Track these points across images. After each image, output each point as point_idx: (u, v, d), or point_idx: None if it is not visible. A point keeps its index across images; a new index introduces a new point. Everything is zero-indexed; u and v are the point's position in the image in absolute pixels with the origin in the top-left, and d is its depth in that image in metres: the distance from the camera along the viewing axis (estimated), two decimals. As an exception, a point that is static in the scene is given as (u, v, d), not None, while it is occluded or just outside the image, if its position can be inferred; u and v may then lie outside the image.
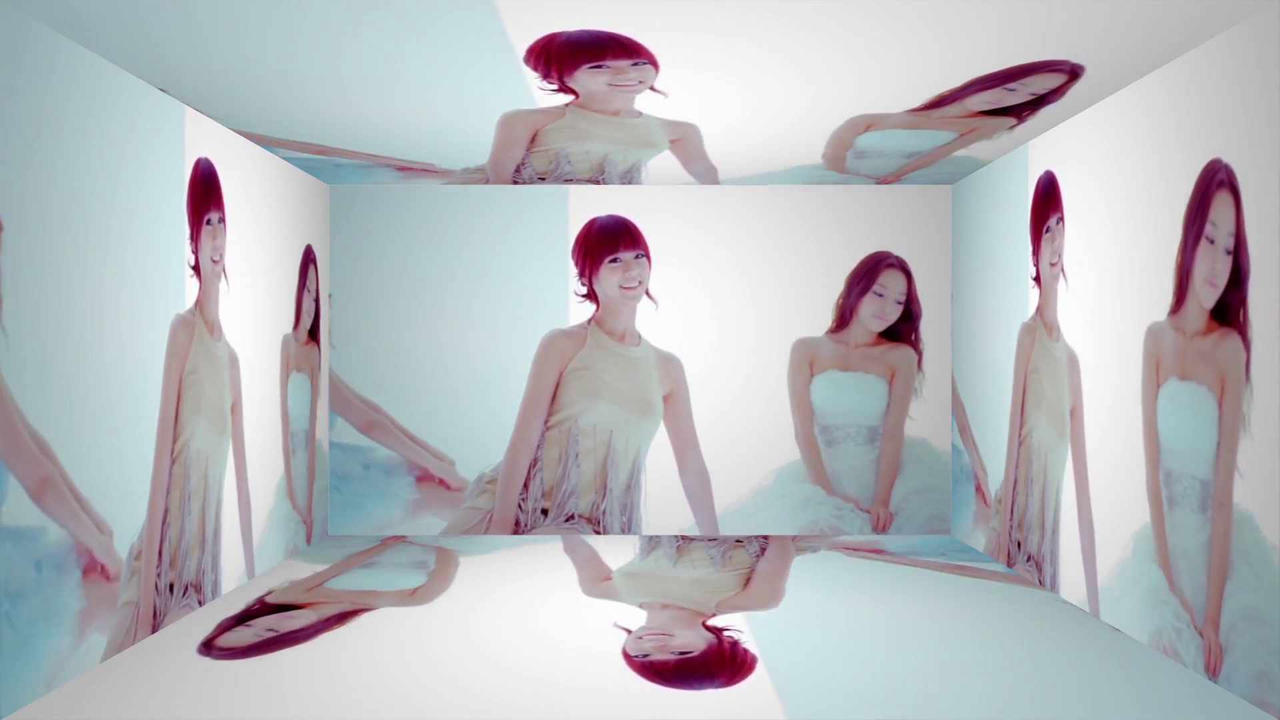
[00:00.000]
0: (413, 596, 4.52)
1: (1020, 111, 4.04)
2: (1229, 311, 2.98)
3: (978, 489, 5.37)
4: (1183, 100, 3.23)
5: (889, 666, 3.31)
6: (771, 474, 5.98)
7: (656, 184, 6.08)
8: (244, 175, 4.68)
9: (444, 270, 6.02)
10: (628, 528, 5.85)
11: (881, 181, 5.78)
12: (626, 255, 5.85)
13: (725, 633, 3.74)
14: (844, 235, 6.05)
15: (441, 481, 6.04)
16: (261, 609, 4.18)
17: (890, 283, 5.90)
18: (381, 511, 6.02)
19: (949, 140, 4.62)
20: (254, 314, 4.77)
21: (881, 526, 5.82)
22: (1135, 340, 3.56)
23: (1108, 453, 3.82)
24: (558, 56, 3.45)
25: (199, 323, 4.03)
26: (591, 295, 5.81)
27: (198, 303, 4.03)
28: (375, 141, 4.78)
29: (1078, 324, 4.14)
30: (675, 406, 5.94)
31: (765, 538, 5.84)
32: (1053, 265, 4.46)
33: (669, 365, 5.93)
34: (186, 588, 3.90)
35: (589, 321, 5.81)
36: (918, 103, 3.98)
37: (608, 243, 5.90)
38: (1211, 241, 3.07)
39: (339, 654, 3.50)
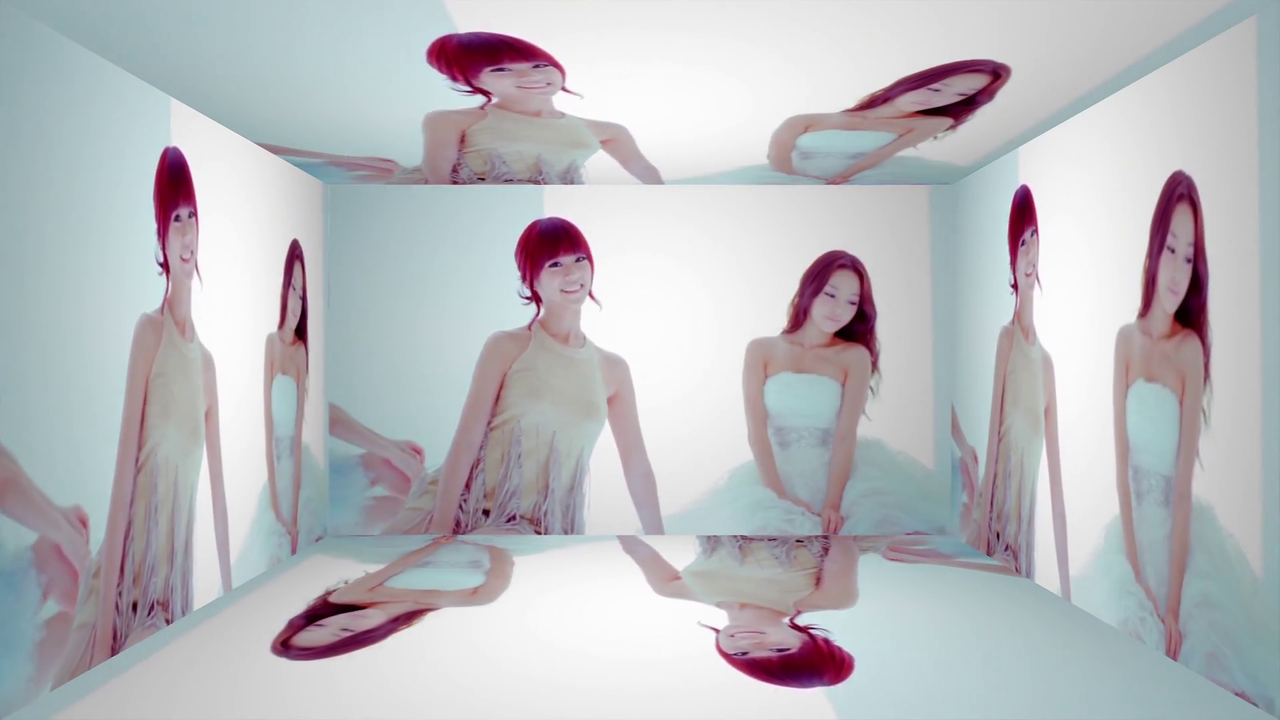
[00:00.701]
0: (474, 596, 4.61)
1: (956, 113, 4.20)
2: (1191, 315, 3.25)
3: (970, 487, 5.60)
4: (1151, 116, 3.50)
5: (964, 669, 3.40)
6: (726, 475, 6.11)
7: (637, 184, 6.16)
8: (225, 167, 4.53)
9: (443, 270, 6.18)
10: (570, 528, 5.95)
11: (830, 182, 5.92)
12: (567, 259, 5.98)
13: (814, 631, 3.82)
14: (812, 234, 6.23)
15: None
16: (326, 608, 4.28)
17: (842, 283, 6.02)
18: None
19: (889, 141, 4.76)
20: (235, 313, 4.63)
21: (833, 529, 5.95)
22: (1107, 343, 3.85)
23: (1081, 449, 4.13)
24: (454, 59, 3.54)
25: (168, 323, 3.86)
26: (535, 298, 5.99)
27: (167, 302, 3.85)
28: (320, 140, 4.81)
29: (1052, 328, 4.47)
30: (620, 407, 6.05)
31: (826, 536, 6.02)
32: (1028, 276, 4.81)
33: (614, 367, 6.03)
34: (152, 606, 3.71)
35: (532, 324, 5.93)
36: (852, 103, 4.11)
37: (547, 246, 6.03)
38: (1173, 250, 3.35)
39: (416, 654, 3.58)
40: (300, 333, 5.55)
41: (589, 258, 5.99)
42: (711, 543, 5.77)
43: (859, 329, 6.03)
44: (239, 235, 4.68)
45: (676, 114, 4.32)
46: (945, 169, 5.46)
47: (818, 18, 3.05)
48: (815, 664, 3.39)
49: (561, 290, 5.99)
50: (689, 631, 3.82)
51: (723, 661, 3.42)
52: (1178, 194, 3.33)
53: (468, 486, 5.93)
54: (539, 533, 5.87)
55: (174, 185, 3.93)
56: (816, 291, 6.01)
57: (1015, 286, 4.97)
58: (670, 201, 6.16)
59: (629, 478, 6.06)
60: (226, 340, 4.55)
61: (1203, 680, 3.12)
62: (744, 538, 5.92)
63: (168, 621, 3.82)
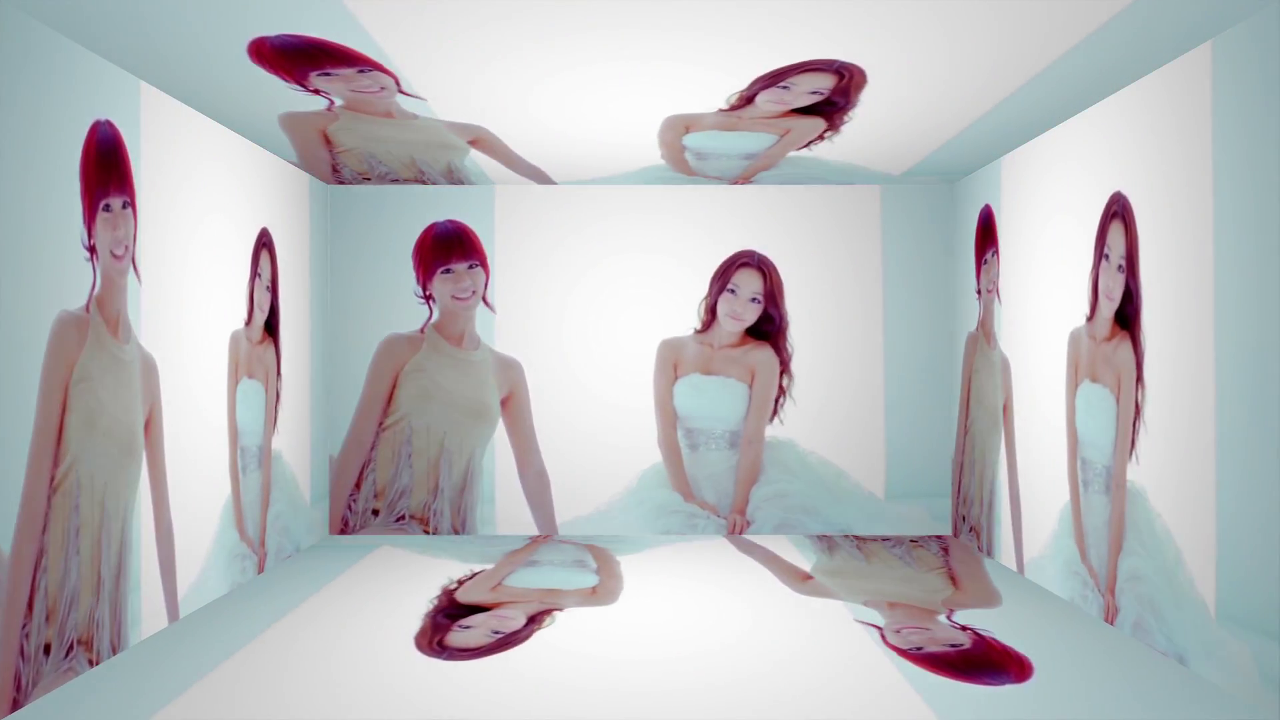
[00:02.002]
0: (595, 595, 4.69)
1: (830, 115, 4.51)
2: (1126, 320, 3.77)
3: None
4: (1099, 140, 4.03)
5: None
6: (637, 476, 6.28)
7: (632, 183, 6.26)
8: (185, 150, 4.27)
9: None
10: (460, 528, 6.06)
11: (733, 183, 6.11)
12: (459, 266, 6.09)
13: (975, 630, 3.86)
14: (784, 236, 6.43)
15: None
16: (453, 606, 4.43)
17: (743, 281, 6.18)
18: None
19: (774, 142, 5.02)
20: (192, 310, 4.32)
21: (738, 531, 6.14)
22: (1060, 346, 4.41)
23: (1037, 442, 4.66)
24: (274, 60, 3.58)
25: (95, 322, 3.42)
26: (430, 301, 6.08)
27: (95, 299, 3.42)
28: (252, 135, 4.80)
29: (1010, 334, 5.07)
30: (514, 409, 6.18)
31: (942, 537, 6.16)
32: (989, 291, 5.32)
33: (508, 369, 6.14)
34: (71, 646, 3.27)
35: (424, 326, 6.05)
36: (724, 103, 4.29)
37: (441, 252, 6.12)
38: (1108, 259, 3.88)
39: (573, 654, 3.67)
40: (271, 330, 5.24)
41: (483, 264, 6.10)
42: (825, 542, 5.91)
43: (767, 329, 6.14)
44: (199, 225, 4.40)
45: (549, 116, 4.47)
46: (962, 165, 5.71)
47: (684, 15, 3.20)
48: (997, 662, 3.48)
49: (453, 296, 6.08)
50: (846, 628, 3.94)
51: (895, 656, 3.55)
52: (1112, 211, 3.88)
53: (357, 486, 6.03)
54: (427, 532, 5.97)
55: (103, 168, 3.49)
56: (721, 289, 6.19)
57: (979, 294, 5.54)
58: (662, 200, 6.39)
59: (523, 478, 6.19)
60: (180, 340, 4.21)
61: (1132, 641, 3.67)
62: (859, 538, 6.10)
63: (91, 663, 3.38)
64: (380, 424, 6.03)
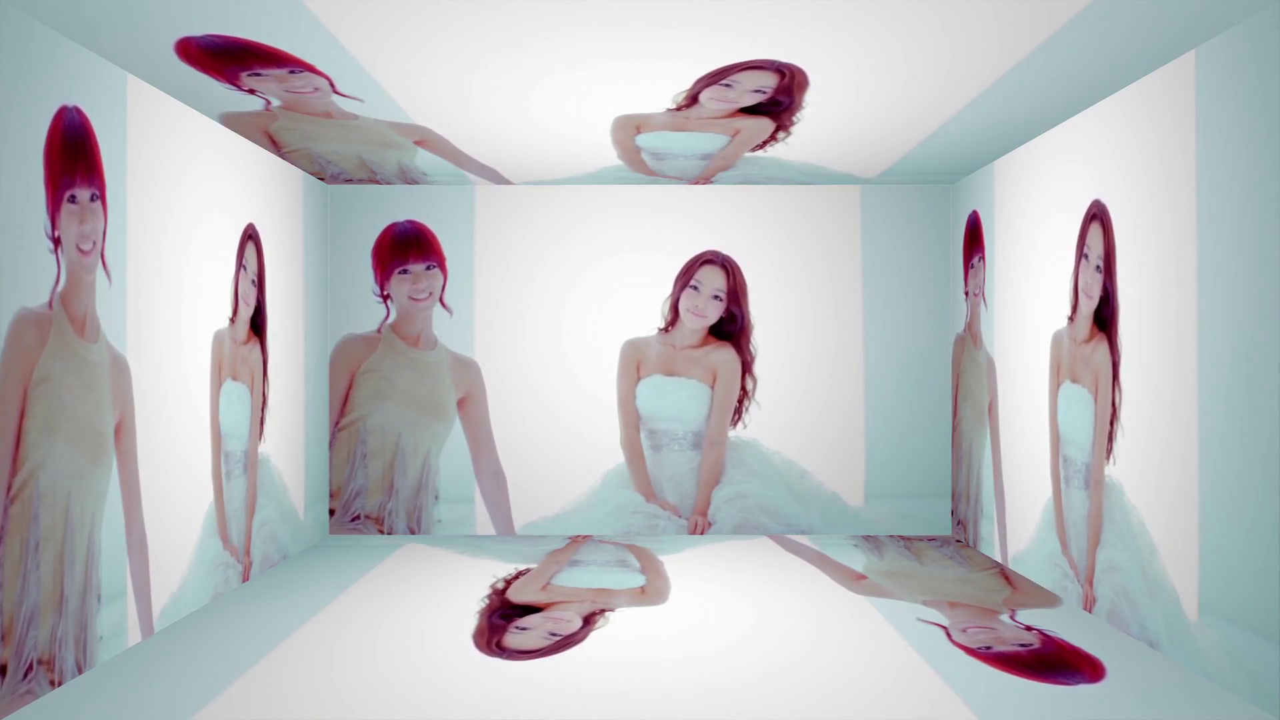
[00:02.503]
0: (644, 595, 4.73)
1: (777, 115, 4.63)
2: (1104, 323, 3.97)
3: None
4: (1085, 146, 4.22)
5: None
6: (601, 477, 6.35)
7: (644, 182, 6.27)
8: (169, 142, 4.14)
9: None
10: (416, 529, 6.11)
11: (693, 183, 6.17)
12: (416, 267, 6.14)
13: (1042, 630, 3.88)
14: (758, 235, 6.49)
15: None
16: (504, 606, 4.48)
17: (706, 278, 6.26)
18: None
19: (726, 142, 5.11)
20: (172, 308, 4.18)
21: (699, 532, 6.22)
22: (1043, 348, 4.63)
23: (1022, 440, 4.87)
24: (200, 60, 3.61)
25: (59, 320, 3.22)
26: (388, 301, 6.11)
27: (61, 296, 3.22)
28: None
29: (995, 335, 5.30)
30: (471, 409, 6.22)
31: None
32: (975, 295, 5.52)
33: (465, 369, 6.18)
34: (31, 666, 3.08)
35: (381, 326, 6.11)
36: (671, 103, 4.37)
37: (398, 253, 6.16)
38: (1087, 258, 4.10)
39: (632, 655, 3.70)
40: (257, 330, 5.09)
41: (441, 265, 6.14)
42: (872, 542, 5.95)
43: (729, 329, 6.21)
44: (184, 221, 4.28)
45: (494, 116, 4.54)
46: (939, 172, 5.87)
47: (628, 14, 3.25)
48: (1070, 662, 3.49)
49: (410, 297, 6.13)
50: (910, 628, 3.96)
51: (964, 655, 3.58)
52: (1091, 214, 4.10)
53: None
54: (382, 532, 6.02)
55: (70, 156, 3.28)
56: (684, 286, 6.26)
57: (967, 296, 5.78)
58: (643, 200, 6.46)
59: (479, 478, 6.24)
60: (159, 340, 4.04)
61: (1107, 627, 3.91)
62: (906, 538, 6.17)
63: (53, 684, 3.18)
64: (336, 424, 6.07)
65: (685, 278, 6.34)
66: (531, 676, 3.42)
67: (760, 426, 6.34)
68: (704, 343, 6.32)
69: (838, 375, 6.41)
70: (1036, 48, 3.46)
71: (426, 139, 4.93)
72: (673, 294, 6.32)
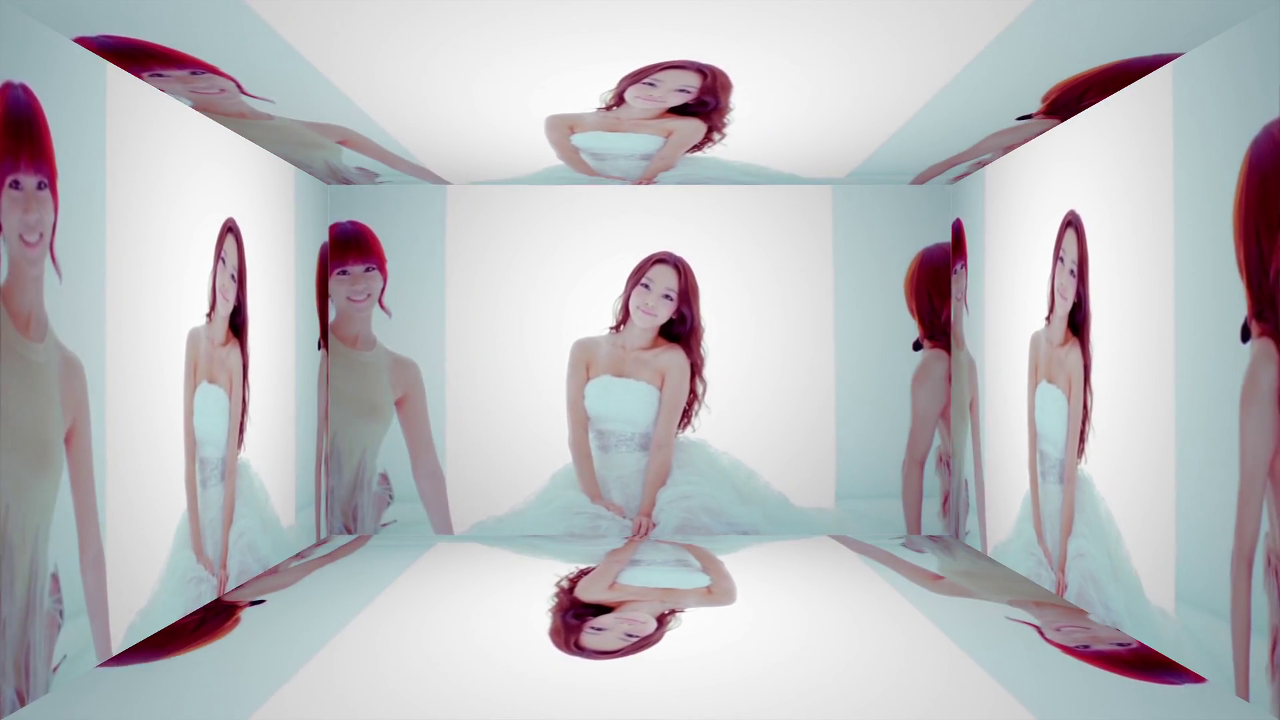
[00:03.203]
0: (711, 595, 4.81)
1: (707, 116, 4.78)
2: (1078, 328, 4.28)
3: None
4: (1064, 157, 4.59)
5: None
6: (549, 477, 6.48)
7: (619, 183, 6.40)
8: (135, 125, 3.94)
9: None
10: (353, 528, 6.22)
11: (636, 183, 6.26)
12: (355, 268, 6.24)
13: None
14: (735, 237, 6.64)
15: None
16: (575, 605, 4.59)
17: (658, 276, 6.34)
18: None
19: (662, 143, 5.24)
20: (148, 303, 4.02)
21: (643, 533, 6.34)
22: (1022, 349, 5.00)
23: (1003, 436, 5.22)
24: (107, 56, 3.63)
25: (1, 318, 3.08)
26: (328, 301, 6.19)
27: (1, 291, 2.98)
28: None
29: (977, 337, 5.68)
30: (409, 409, 6.28)
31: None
32: (958, 300, 5.76)
33: (404, 370, 6.23)
34: None
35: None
36: (599, 102, 4.50)
37: (337, 254, 6.22)
38: (1062, 261, 4.45)
39: (716, 655, 3.77)
40: (237, 330, 4.90)
41: (380, 267, 6.23)
42: (941, 543, 6.05)
43: (679, 331, 6.31)
44: (159, 215, 4.12)
45: (416, 115, 4.62)
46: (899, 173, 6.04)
47: (552, 14, 3.35)
48: (1171, 661, 3.60)
49: (348, 298, 6.20)
50: (1001, 626, 4.07)
51: (1062, 654, 3.66)
52: (1066, 221, 4.46)
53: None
54: (318, 533, 6.02)
55: (12, 137, 3.03)
56: (635, 284, 6.35)
57: (950, 300, 6.09)
58: (660, 201, 6.58)
59: (417, 478, 6.31)
60: (127, 337, 3.85)
61: (1081, 607, 4.33)
62: (941, 538, 6.20)
63: None
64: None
65: (637, 276, 6.40)
66: (616, 676, 3.56)
67: (712, 429, 6.49)
68: (654, 345, 6.39)
69: (807, 377, 6.56)
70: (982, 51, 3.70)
71: (349, 139, 4.94)
72: (624, 292, 6.38)
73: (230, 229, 4.87)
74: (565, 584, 4.93)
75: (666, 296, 6.33)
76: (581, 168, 5.79)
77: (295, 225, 5.90)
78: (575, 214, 6.44)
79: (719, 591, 4.82)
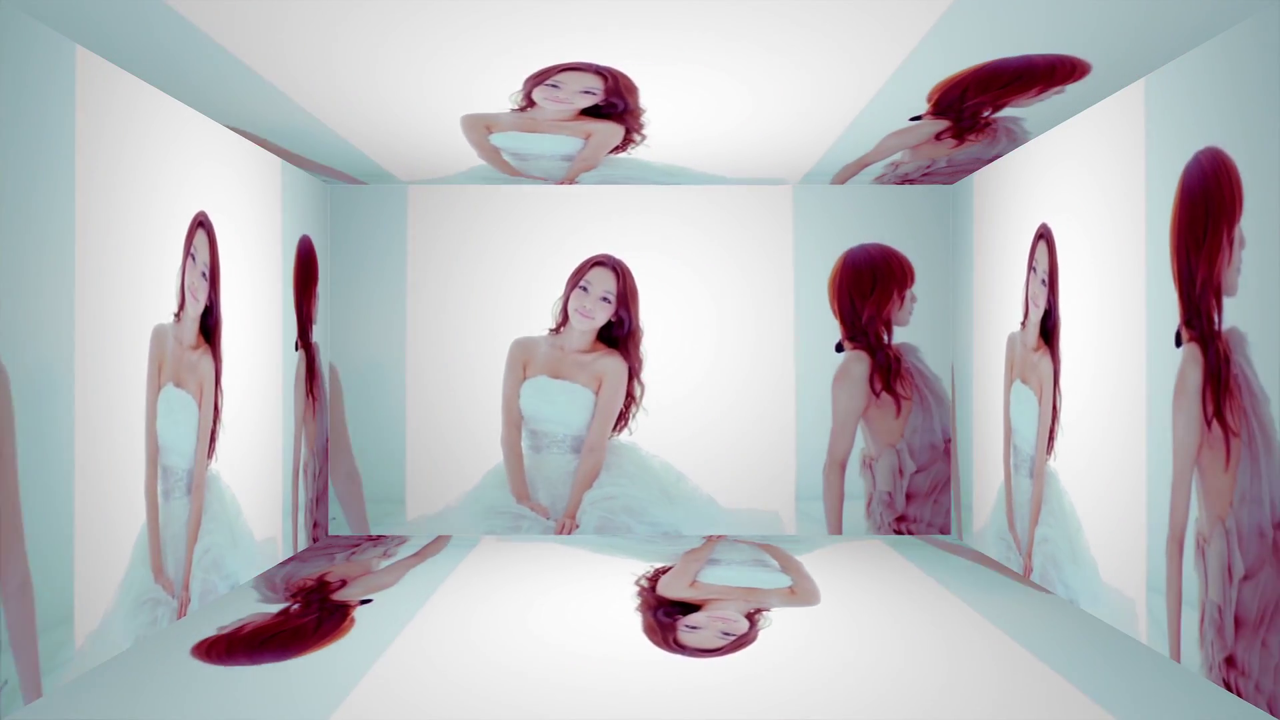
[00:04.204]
0: (795, 596, 5.05)
1: (621, 118, 5.16)
2: (1048, 336, 5.14)
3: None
4: (1032, 176, 5.45)
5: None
6: (480, 476, 6.80)
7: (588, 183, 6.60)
8: (114, 116, 4.02)
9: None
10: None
11: (559, 183, 6.80)
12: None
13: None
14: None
15: None
16: (661, 603, 4.86)
17: (596, 279, 6.89)
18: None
19: (582, 145, 5.71)
20: (109, 298, 3.96)
21: (566, 533, 6.82)
22: (999, 351, 5.87)
23: (983, 432, 6.10)
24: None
25: None
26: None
27: None
28: None
29: (959, 339, 6.69)
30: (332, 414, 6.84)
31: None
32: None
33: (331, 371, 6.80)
34: None
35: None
36: (511, 104, 4.85)
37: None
38: (1035, 271, 5.34)
39: (820, 655, 4.04)
40: (209, 333, 4.92)
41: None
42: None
43: (617, 334, 6.78)
44: (122, 201, 4.09)
45: (327, 113, 4.98)
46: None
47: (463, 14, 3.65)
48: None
49: None
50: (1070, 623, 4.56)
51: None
52: (1039, 234, 5.33)
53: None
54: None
55: None
56: (573, 286, 6.88)
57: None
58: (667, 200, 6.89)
59: (334, 478, 6.74)
60: (84, 334, 3.78)
61: (1039, 590, 5.16)
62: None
63: None
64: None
65: (575, 279, 6.95)
66: (722, 673, 3.83)
67: (646, 432, 6.95)
68: (593, 348, 6.91)
69: (741, 381, 7.02)
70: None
71: (253, 139, 5.26)
72: (563, 295, 6.89)
73: (201, 223, 4.85)
74: (645, 582, 5.38)
75: (605, 299, 6.79)
76: (504, 168, 6.32)
77: (283, 221, 6.02)
78: (512, 214, 6.95)
79: (802, 592, 5.22)
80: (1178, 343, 3.88)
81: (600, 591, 5.14)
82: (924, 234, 6.91)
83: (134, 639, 4.18)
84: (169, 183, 4.54)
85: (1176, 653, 3.96)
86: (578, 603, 4.92)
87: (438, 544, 6.48)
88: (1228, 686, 3.56)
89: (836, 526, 6.79)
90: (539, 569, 5.72)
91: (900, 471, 6.72)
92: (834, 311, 6.82)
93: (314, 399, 6.52)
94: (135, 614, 4.21)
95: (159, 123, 4.45)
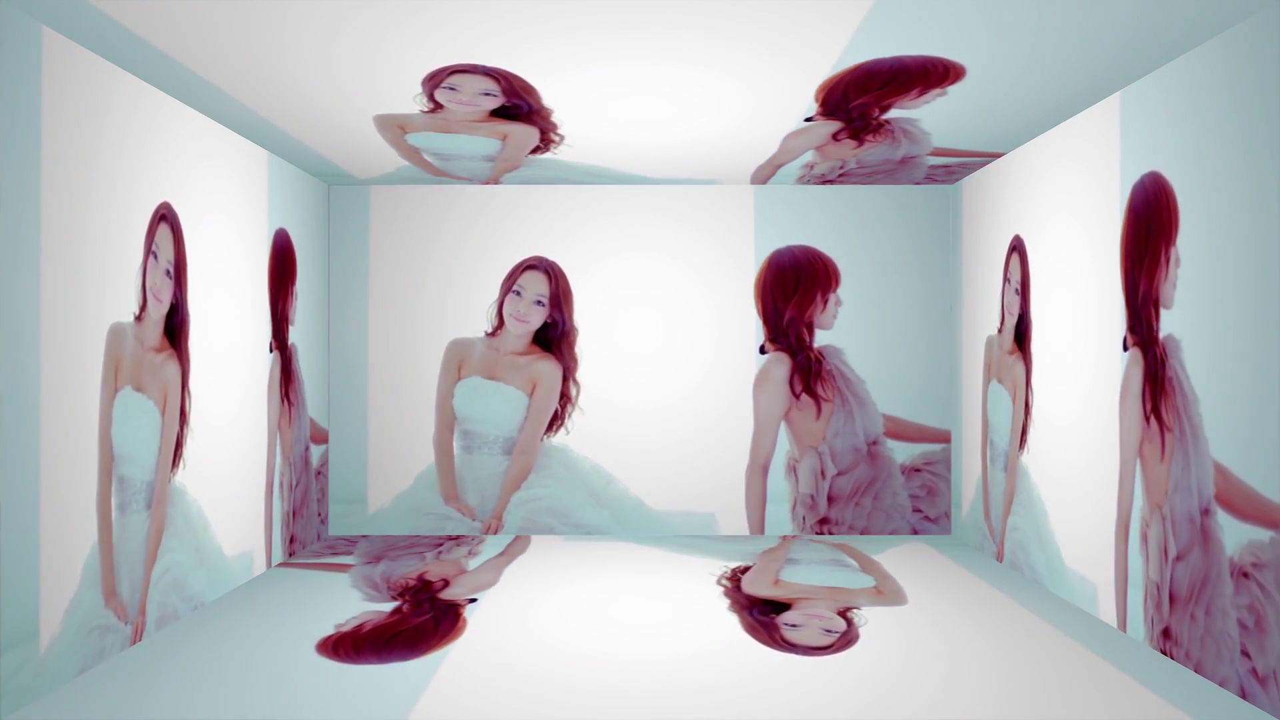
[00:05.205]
0: (882, 595, 5.26)
1: (530, 119, 5.37)
2: (1022, 340, 5.98)
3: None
4: (1010, 188, 6.22)
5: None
6: (413, 478, 7.18)
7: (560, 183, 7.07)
8: (84, 101, 3.99)
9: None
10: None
11: (484, 184, 7.27)
12: None
13: None
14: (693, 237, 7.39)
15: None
16: (753, 602, 5.00)
17: (529, 283, 7.42)
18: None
19: (500, 146, 6.00)
20: (66, 293, 3.89)
21: (492, 533, 7.31)
22: (978, 352, 6.71)
23: (967, 429, 6.90)
24: None
25: None
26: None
27: None
28: None
29: (956, 339, 7.59)
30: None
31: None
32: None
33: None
34: None
35: None
36: (416, 105, 5.14)
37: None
38: (1009, 281, 6.21)
39: (934, 657, 4.30)
40: (174, 334, 4.83)
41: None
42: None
43: (552, 335, 7.28)
44: (82, 191, 4.01)
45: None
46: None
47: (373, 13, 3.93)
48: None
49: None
50: None
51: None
52: (1012, 246, 6.16)
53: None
54: None
55: None
56: (507, 291, 7.40)
57: None
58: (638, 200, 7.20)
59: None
60: (25, 330, 3.69)
61: (1010, 570, 6.06)
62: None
63: None
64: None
65: (509, 283, 7.46)
66: (840, 671, 4.07)
67: (578, 434, 7.32)
68: (528, 351, 7.40)
69: (677, 383, 7.42)
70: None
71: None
72: (498, 298, 7.38)
73: (164, 217, 4.74)
74: (727, 582, 5.71)
75: (538, 303, 7.18)
76: (428, 168, 6.80)
77: (269, 219, 6.09)
78: (449, 214, 7.26)
79: (888, 591, 5.61)
80: (1125, 347, 4.38)
81: (683, 591, 5.57)
82: (924, 234, 7.23)
83: (78, 669, 3.98)
84: (132, 170, 4.46)
85: (1124, 625, 4.99)
86: (668, 602, 5.32)
87: (520, 544, 7.00)
88: (1165, 654, 4.32)
89: (759, 528, 7.29)
90: (613, 569, 6.14)
91: (822, 473, 7.18)
92: (758, 312, 7.29)
93: (290, 404, 6.46)
94: (82, 642, 4.02)
95: (121, 104, 4.40)
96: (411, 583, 5.54)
